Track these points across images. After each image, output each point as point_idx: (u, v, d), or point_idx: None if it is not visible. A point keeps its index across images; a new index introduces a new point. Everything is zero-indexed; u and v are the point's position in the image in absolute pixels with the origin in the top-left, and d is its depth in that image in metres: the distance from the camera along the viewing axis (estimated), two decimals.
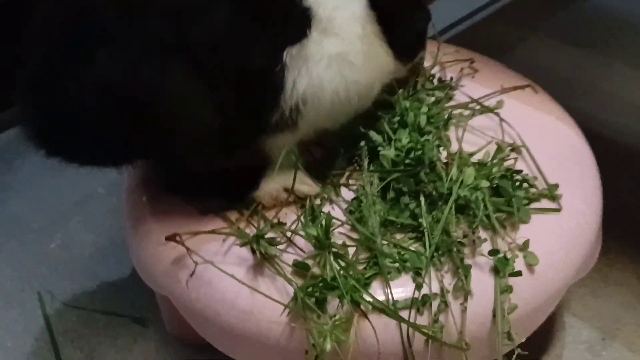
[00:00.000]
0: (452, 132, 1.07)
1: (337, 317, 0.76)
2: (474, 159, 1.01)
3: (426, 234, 0.89)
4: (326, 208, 0.98)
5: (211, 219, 0.98)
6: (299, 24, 0.87)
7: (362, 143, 1.00)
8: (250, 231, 0.93)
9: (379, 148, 0.98)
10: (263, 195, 0.98)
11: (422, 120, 1.00)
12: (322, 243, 0.82)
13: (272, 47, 0.86)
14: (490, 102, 1.14)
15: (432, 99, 1.09)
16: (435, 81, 1.17)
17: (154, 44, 0.81)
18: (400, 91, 1.04)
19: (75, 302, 1.29)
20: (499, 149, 1.02)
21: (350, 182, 1.01)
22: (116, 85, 0.81)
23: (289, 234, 0.90)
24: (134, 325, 1.24)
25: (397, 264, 0.88)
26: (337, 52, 0.91)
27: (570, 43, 1.90)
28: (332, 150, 1.05)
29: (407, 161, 0.94)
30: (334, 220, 0.92)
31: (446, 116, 1.07)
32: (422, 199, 0.92)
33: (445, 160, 0.98)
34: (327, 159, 1.05)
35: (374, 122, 1.03)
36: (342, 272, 0.83)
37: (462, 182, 0.93)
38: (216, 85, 0.84)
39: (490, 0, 2.14)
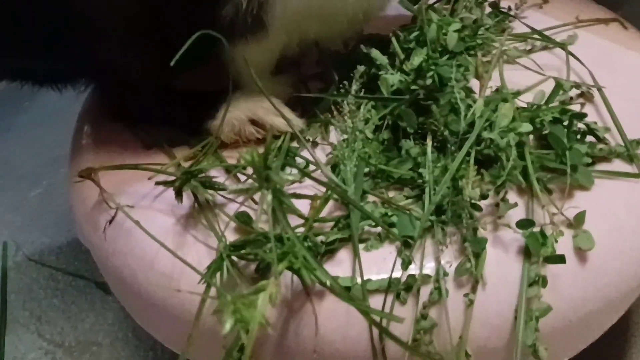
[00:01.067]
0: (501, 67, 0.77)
1: (253, 288, 0.50)
2: (522, 100, 0.71)
3: (427, 189, 0.61)
4: (305, 153, 0.72)
5: (153, 155, 0.75)
6: None
7: (361, 68, 0.73)
8: None
9: (381, 72, 0.70)
10: (221, 125, 0.73)
11: (451, 39, 0.71)
12: (259, 174, 0.55)
13: None
14: (560, 37, 0.83)
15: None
16: (486, 6, 0.88)
17: None
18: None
19: (40, 257, 1.11)
20: (559, 86, 0.72)
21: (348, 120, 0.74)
22: None
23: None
24: (96, 291, 1.04)
25: (379, 229, 0.60)
26: None
27: None
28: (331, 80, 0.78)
29: (414, 87, 0.66)
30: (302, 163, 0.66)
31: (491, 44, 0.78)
32: (428, 141, 0.64)
33: (474, 95, 0.69)
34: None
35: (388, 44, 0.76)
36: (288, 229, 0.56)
37: (491, 123, 0.64)
38: None
39: None
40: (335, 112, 0.72)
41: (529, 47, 0.82)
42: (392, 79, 0.67)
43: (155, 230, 0.65)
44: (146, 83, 0.71)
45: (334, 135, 0.72)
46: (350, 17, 0.72)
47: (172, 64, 0.57)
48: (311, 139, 0.73)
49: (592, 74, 0.75)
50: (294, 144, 0.73)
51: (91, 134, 0.80)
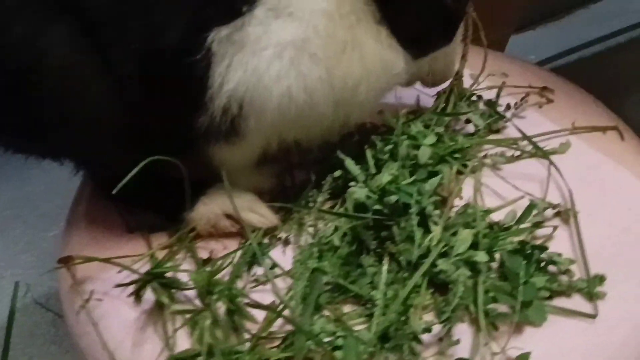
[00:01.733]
0: (479, 177, 0.77)
1: None
2: (495, 218, 0.71)
3: (376, 314, 0.62)
4: (277, 251, 0.74)
5: (133, 240, 0.78)
6: None
7: (337, 173, 0.74)
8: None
9: (351, 184, 0.71)
10: (198, 218, 0.76)
11: (423, 154, 0.72)
12: (203, 296, 0.57)
13: (194, 25, 0.63)
14: (552, 144, 0.82)
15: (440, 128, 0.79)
16: (481, 105, 0.88)
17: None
18: (404, 111, 0.77)
19: (47, 300, 1.16)
20: (530, 208, 0.71)
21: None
22: None
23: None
24: None
25: (321, 349, 0.61)
26: (292, 39, 0.66)
27: None
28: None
29: (377, 207, 0.67)
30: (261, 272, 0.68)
31: (472, 154, 0.78)
32: (385, 262, 0.65)
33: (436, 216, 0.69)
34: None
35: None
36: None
37: (448, 249, 0.64)
38: (114, 61, 0.64)
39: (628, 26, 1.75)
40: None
41: (518, 153, 0.82)
42: (360, 193, 0.68)
43: (120, 321, 0.68)
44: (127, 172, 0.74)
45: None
46: (328, 126, 0.73)
47: (114, 192, 0.60)
48: (283, 237, 0.75)
49: (571, 194, 0.74)
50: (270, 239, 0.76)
51: (84, 212, 0.84)
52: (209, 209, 0.75)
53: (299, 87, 0.68)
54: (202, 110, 0.67)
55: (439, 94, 0.86)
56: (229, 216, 0.75)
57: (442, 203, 0.71)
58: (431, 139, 0.74)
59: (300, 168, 0.83)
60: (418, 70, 0.79)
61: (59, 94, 0.66)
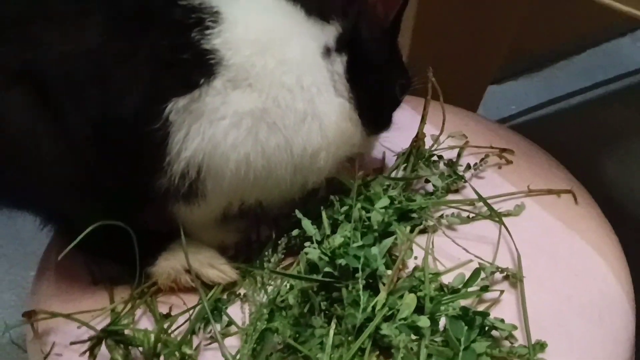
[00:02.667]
0: (433, 237, 0.80)
1: None
2: (445, 280, 0.74)
3: None
4: (236, 307, 0.76)
5: (97, 292, 0.80)
6: (191, 70, 0.68)
7: (295, 232, 0.77)
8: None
9: (306, 244, 0.74)
10: (159, 273, 0.78)
11: (375, 217, 0.75)
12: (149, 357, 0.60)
13: (151, 95, 0.67)
14: (507, 205, 0.85)
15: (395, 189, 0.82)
16: (441, 165, 0.91)
17: None
18: (361, 173, 0.80)
19: (24, 341, 1.18)
20: (477, 272, 0.73)
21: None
22: None
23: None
24: None
25: None
26: (250, 109, 0.70)
27: None
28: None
29: (327, 269, 0.69)
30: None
31: (426, 217, 0.81)
32: (332, 325, 0.67)
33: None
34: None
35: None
36: None
37: (391, 313, 0.66)
38: (71, 128, 0.67)
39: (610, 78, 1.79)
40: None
41: (473, 214, 0.84)
42: (313, 254, 0.71)
43: None
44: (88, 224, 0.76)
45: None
46: (287, 188, 0.76)
47: (67, 250, 0.62)
48: (242, 293, 0.78)
49: (519, 258, 0.76)
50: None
51: (54, 261, 0.86)
52: (169, 264, 0.78)
53: (256, 154, 0.71)
54: (160, 173, 0.70)
55: (398, 155, 0.89)
56: (189, 271, 0.78)
57: (394, 263, 0.74)
58: (384, 201, 0.76)
59: (265, 222, 0.86)
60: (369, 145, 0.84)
61: (16, 158, 0.69)
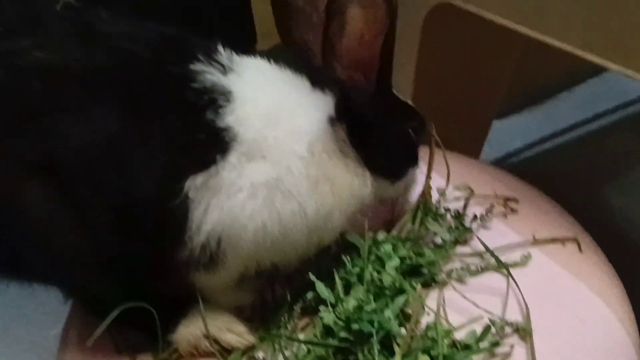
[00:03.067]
0: (444, 292, 0.82)
1: None
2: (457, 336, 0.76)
3: None
4: None
5: None
6: (206, 149, 0.71)
7: (310, 295, 0.80)
8: None
9: (321, 307, 0.76)
10: (180, 339, 0.81)
11: (387, 279, 0.77)
12: None
13: (168, 176, 0.70)
14: (514, 255, 0.87)
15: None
16: (449, 217, 0.93)
17: (13, 161, 0.69)
18: (370, 233, 0.82)
19: None
20: (487, 329, 0.76)
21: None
22: None
23: None
24: None
25: None
26: (265, 180, 0.73)
27: None
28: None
29: (342, 334, 0.72)
30: None
31: (436, 271, 0.83)
32: None
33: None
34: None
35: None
36: None
37: None
38: (91, 213, 0.70)
39: (612, 107, 1.81)
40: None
41: (482, 265, 0.87)
42: (328, 318, 0.74)
43: None
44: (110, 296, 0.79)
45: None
46: (303, 249, 0.79)
47: (88, 343, 0.65)
48: (261, 357, 0.80)
49: (528, 310, 0.78)
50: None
51: (77, 329, 0.89)
52: (189, 330, 0.81)
53: (273, 221, 0.74)
54: (181, 247, 0.73)
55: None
56: (207, 337, 0.81)
57: (408, 320, 0.76)
58: (394, 262, 0.79)
59: (279, 282, 0.89)
60: (393, 191, 0.86)
61: (38, 245, 0.72)
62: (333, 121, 0.78)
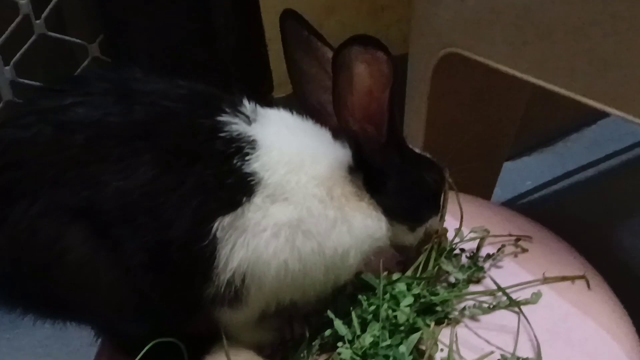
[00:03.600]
0: (457, 329, 0.86)
1: None
2: None
3: None
4: None
5: None
6: (234, 192, 0.76)
7: (328, 332, 0.84)
8: None
9: (339, 344, 0.80)
10: None
11: (401, 317, 0.81)
12: None
13: (199, 217, 0.75)
14: (525, 293, 0.91)
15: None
16: (463, 257, 0.97)
17: (57, 206, 0.74)
18: (385, 273, 0.86)
19: None
20: None
21: None
22: (18, 242, 0.75)
23: None
24: None
25: None
26: (288, 220, 0.78)
27: None
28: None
29: None
30: None
31: (449, 309, 0.87)
32: None
33: None
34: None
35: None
36: None
37: None
38: (126, 254, 0.75)
39: (622, 148, 1.86)
40: None
41: (494, 304, 0.90)
42: (345, 355, 0.77)
43: None
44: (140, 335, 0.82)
45: None
46: (321, 287, 0.84)
47: None
48: None
49: (539, 347, 0.82)
50: None
51: None
52: None
53: (294, 259, 0.79)
54: (208, 283, 0.78)
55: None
56: None
57: (422, 356, 0.80)
58: (408, 300, 0.83)
59: (298, 321, 0.93)
60: (412, 238, 0.90)
61: (76, 286, 0.76)
62: (351, 169, 0.84)
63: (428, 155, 0.94)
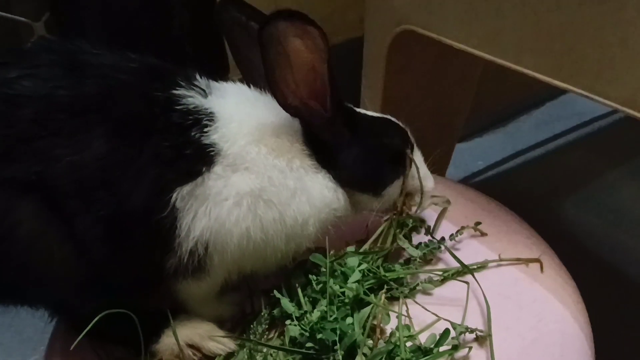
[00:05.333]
0: (408, 303, 0.87)
1: None
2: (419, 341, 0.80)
3: None
4: None
5: None
6: (193, 162, 0.76)
7: (276, 311, 0.85)
8: None
9: (287, 321, 0.81)
10: (163, 349, 0.85)
11: (348, 292, 0.82)
12: None
13: (157, 188, 0.75)
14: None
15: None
16: (423, 233, 0.98)
17: (6, 181, 0.72)
18: (332, 252, 0.86)
19: None
20: (446, 333, 0.80)
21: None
22: None
23: None
24: None
25: None
26: (250, 189, 0.79)
27: None
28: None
29: (308, 344, 0.76)
30: None
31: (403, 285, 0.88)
32: None
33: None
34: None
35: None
36: None
37: None
38: (80, 228, 0.74)
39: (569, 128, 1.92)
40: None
41: (446, 274, 0.91)
42: (293, 330, 0.78)
43: None
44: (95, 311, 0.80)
45: None
46: (282, 256, 0.84)
47: (78, 339, 0.68)
48: None
49: (489, 310, 0.84)
50: None
51: (60, 348, 0.92)
52: (172, 340, 0.84)
53: (256, 227, 0.80)
54: (170, 254, 0.78)
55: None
56: (190, 346, 0.85)
57: (373, 331, 0.81)
58: (355, 276, 0.84)
59: (258, 296, 0.93)
60: (378, 203, 0.90)
61: (28, 260, 0.75)
62: (306, 141, 0.85)
63: (389, 117, 0.94)
